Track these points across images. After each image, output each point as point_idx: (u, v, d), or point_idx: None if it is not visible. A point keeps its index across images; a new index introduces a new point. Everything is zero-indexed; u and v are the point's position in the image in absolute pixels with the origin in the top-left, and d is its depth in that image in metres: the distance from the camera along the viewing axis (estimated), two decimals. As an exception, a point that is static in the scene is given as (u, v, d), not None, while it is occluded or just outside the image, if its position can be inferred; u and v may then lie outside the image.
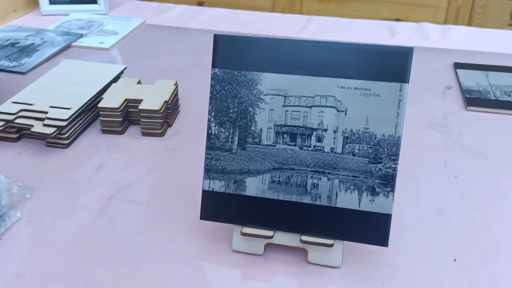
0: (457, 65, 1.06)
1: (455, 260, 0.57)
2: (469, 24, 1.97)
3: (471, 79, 1.00)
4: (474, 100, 0.92)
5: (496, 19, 1.99)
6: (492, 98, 0.93)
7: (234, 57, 0.55)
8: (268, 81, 0.54)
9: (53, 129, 0.75)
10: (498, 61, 1.10)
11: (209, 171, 0.57)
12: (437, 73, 1.05)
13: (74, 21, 1.33)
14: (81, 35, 1.22)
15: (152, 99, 0.81)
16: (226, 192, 0.57)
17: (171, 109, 0.83)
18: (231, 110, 0.56)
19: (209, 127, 0.57)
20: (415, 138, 0.81)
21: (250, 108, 0.55)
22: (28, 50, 1.13)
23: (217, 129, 0.56)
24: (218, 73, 0.55)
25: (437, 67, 1.07)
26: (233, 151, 0.56)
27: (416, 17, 1.93)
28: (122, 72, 0.93)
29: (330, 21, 1.36)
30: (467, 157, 0.77)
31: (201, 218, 0.58)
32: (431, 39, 1.23)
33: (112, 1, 1.47)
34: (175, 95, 0.85)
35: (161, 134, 0.81)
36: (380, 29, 1.30)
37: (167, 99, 0.81)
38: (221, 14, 1.40)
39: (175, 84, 0.86)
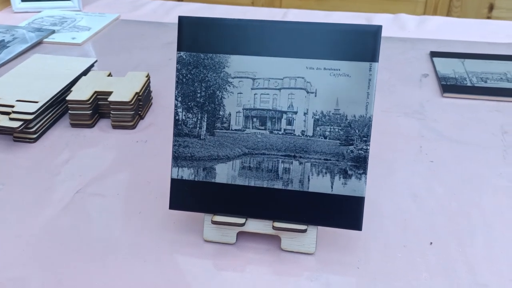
0: (434, 54, 1.06)
1: (431, 243, 0.56)
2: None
3: (448, 66, 0.99)
4: (450, 87, 0.91)
5: (474, 12, 2.00)
6: (469, 84, 0.92)
7: (200, 39, 0.53)
8: (236, 63, 0.53)
9: (20, 123, 0.73)
10: (474, 49, 1.09)
11: (177, 159, 0.55)
12: (413, 62, 1.04)
13: (46, 17, 1.30)
14: (53, 31, 1.19)
15: (123, 91, 0.79)
16: (196, 180, 0.55)
17: (142, 101, 0.81)
18: (199, 95, 0.54)
19: (176, 113, 0.55)
20: (391, 126, 0.80)
21: (218, 92, 0.54)
22: (-3, 47, 1.10)
23: (184, 115, 0.55)
24: (184, 56, 0.54)
25: (414, 56, 1.07)
26: (201, 137, 0.55)
27: (395, 11, 1.92)
28: (92, 66, 0.91)
29: (307, 14, 1.35)
30: (443, 143, 0.76)
31: (170, 208, 0.56)
32: (407, 30, 1.23)
33: (86, -2, 1.45)
34: (146, 87, 0.83)
35: (132, 127, 0.79)
36: (358, 21, 1.29)
37: (138, 91, 0.79)
38: (198, 8, 1.38)
39: (146, 76, 0.84)
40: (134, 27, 1.24)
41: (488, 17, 2.03)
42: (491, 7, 2.03)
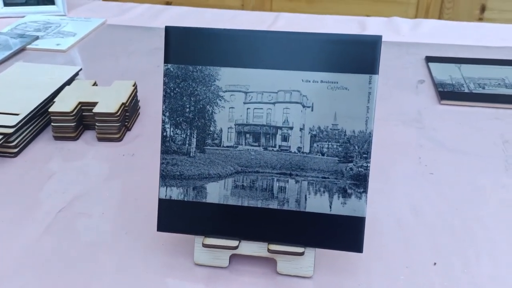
0: (429, 59, 1.03)
1: (435, 264, 0.53)
2: (439, 19, 1.96)
3: (444, 72, 0.97)
4: (447, 93, 0.89)
5: (466, 13, 1.99)
6: (466, 91, 0.90)
7: (188, 50, 0.50)
8: (227, 76, 0.49)
9: (-1, 137, 0.69)
10: (470, 53, 1.07)
11: (166, 178, 0.52)
12: (408, 68, 1.01)
13: (30, 23, 1.26)
14: (37, 37, 1.15)
15: (108, 102, 0.75)
16: (185, 200, 0.51)
17: (129, 112, 0.77)
18: (188, 109, 0.51)
19: (163, 129, 0.51)
20: (388, 135, 0.77)
21: (208, 107, 0.50)
22: (-22, 54, 1.06)
23: (172, 131, 0.51)
24: (172, 68, 0.50)
25: (409, 61, 1.04)
26: (191, 155, 0.51)
27: (387, 13, 1.90)
28: (77, 74, 0.87)
29: (299, 18, 1.32)
30: (443, 153, 0.73)
31: (158, 230, 0.52)
32: (402, 34, 1.21)
33: (72, 2, 1.40)
34: (133, 97, 0.79)
35: (119, 139, 0.75)
36: (351, 24, 1.26)
37: (124, 101, 0.76)
38: (187, 12, 1.34)
39: (133, 85, 0.80)
40: (121, 32, 1.20)
41: (480, 19, 2.02)
42: (483, 8, 2.02)
